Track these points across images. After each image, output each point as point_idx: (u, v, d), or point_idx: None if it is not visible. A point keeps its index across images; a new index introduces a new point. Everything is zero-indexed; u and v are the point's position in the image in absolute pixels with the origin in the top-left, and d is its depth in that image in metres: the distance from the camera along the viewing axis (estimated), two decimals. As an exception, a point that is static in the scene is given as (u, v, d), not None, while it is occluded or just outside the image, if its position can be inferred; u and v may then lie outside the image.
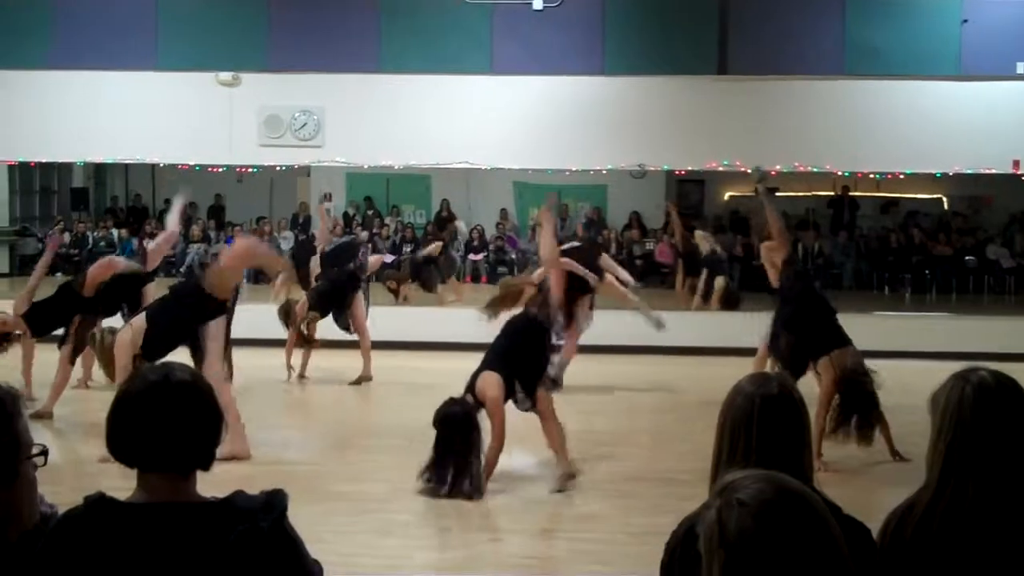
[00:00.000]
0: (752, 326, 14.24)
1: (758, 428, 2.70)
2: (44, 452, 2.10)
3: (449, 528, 6.56)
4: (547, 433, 7.52)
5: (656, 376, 12.39)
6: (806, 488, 1.85)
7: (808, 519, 1.75)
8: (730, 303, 14.60)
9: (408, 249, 20.09)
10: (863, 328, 11.68)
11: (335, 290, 11.97)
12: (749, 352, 10.60)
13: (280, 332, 12.58)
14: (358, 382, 11.78)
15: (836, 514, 2.10)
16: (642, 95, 14.42)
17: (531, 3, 14.19)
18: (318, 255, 12.46)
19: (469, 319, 14.54)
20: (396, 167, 15.47)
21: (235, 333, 11.82)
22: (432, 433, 7.21)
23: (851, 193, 20.58)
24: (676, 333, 13.87)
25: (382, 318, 14.71)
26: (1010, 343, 12.35)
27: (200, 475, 2.53)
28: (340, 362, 12.86)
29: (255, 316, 11.84)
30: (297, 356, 12.04)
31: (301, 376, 11.90)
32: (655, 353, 13.21)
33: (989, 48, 13.82)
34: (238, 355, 11.20)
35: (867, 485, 7.29)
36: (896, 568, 2.62)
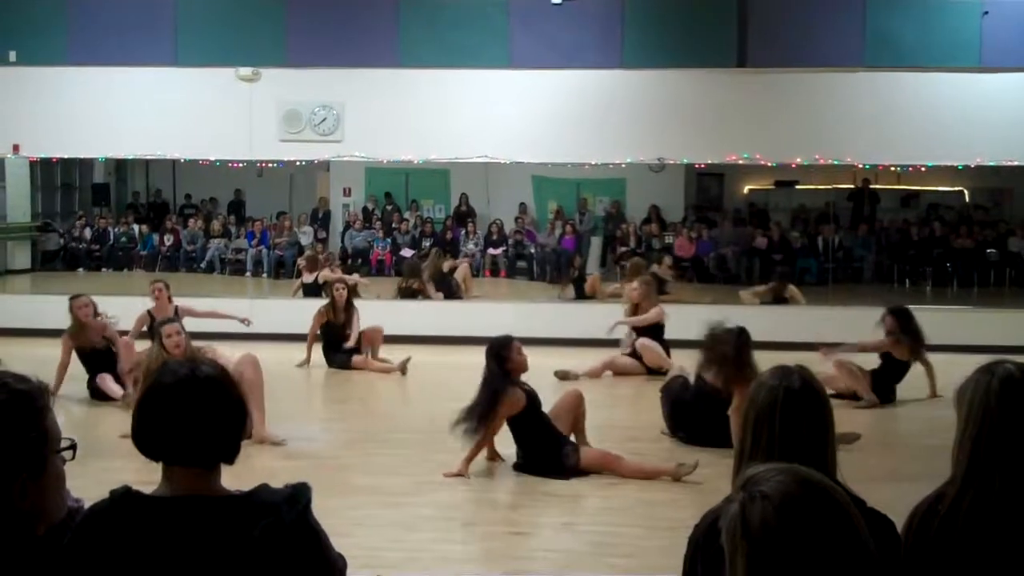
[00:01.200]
0: (774, 320, 14.26)
1: (781, 421, 2.70)
2: (73, 446, 2.11)
3: (472, 522, 6.58)
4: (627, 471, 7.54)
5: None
6: (829, 481, 1.84)
7: (831, 512, 1.74)
8: None
9: (427, 243, 20.13)
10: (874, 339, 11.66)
11: None
12: (771, 346, 10.58)
13: (302, 327, 12.64)
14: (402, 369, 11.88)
15: (860, 507, 2.10)
16: (661, 88, 14.39)
17: (549, -4, 14.18)
18: None
19: (492, 313, 14.63)
20: (415, 161, 15.49)
21: (260, 328, 11.96)
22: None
23: (871, 186, 20.46)
24: (694, 327, 13.87)
25: (405, 313, 14.78)
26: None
27: (224, 468, 2.55)
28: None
29: (278, 312, 11.88)
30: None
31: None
32: (674, 347, 13.20)
33: (1010, 39, 13.73)
34: (264, 349, 11.28)
35: (890, 480, 7.26)
36: (922, 561, 2.61)
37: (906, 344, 10.29)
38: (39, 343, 12.54)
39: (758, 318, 14.43)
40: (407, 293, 15.39)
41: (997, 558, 2.54)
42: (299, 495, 2.48)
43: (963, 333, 12.43)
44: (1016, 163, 14.35)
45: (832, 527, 1.73)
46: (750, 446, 2.73)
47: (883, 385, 10.40)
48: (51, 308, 13.17)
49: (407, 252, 19.19)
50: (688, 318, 14.27)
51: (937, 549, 2.60)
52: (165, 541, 2.40)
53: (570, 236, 19.70)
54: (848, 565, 1.71)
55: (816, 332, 12.92)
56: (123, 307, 14.27)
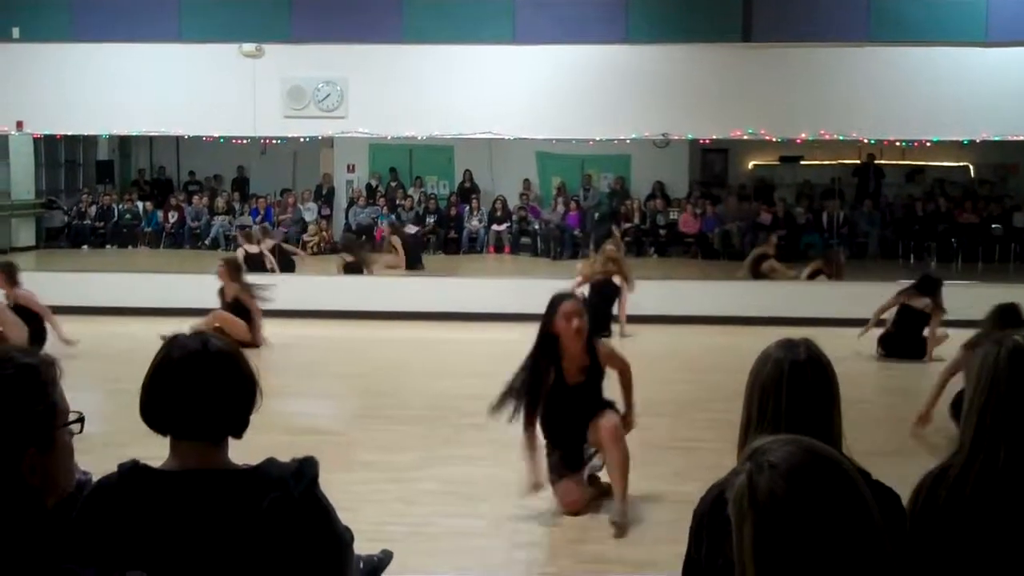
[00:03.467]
0: (774, 296, 14.27)
1: (787, 393, 2.71)
2: (80, 419, 2.12)
3: (476, 496, 6.60)
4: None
5: (676, 345, 12.39)
6: (836, 452, 1.85)
7: (839, 482, 1.75)
8: None
9: (431, 220, 20.13)
10: (889, 296, 11.66)
11: None
12: (769, 321, 10.61)
13: (313, 305, 12.67)
14: None
15: (865, 479, 2.11)
16: (666, 63, 14.34)
17: (553, -29, 14.11)
18: None
19: (493, 289, 14.64)
20: (419, 138, 15.47)
21: (273, 304, 11.93)
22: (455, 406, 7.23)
23: (877, 161, 20.42)
24: (695, 302, 13.90)
25: (404, 289, 14.80)
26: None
27: (232, 443, 2.56)
28: (369, 333, 12.94)
29: (283, 288, 11.87)
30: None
31: None
32: (673, 323, 13.23)
33: (1016, 14, 13.66)
34: (277, 325, 11.29)
35: (895, 455, 7.27)
36: (929, 532, 2.62)
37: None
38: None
39: (754, 294, 14.47)
40: (351, 269, 15.34)
41: (1003, 528, 2.55)
42: (306, 469, 2.50)
43: (968, 308, 12.34)
44: (1022, 138, 14.30)
45: (839, 497, 1.73)
46: (756, 418, 2.73)
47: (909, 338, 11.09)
48: (56, 285, 13.21)
49: (411, 228, 19.18)
50: (692, 294, 14.37)
51: (944, 519, 2.60)
52: (173, 514, 2.42)
53: (574, 212, 19.69)
54: (855, 535, 1.72)
55: (824, 307, 12.94)
56: (126, 283, 14.36)
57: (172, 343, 2.58)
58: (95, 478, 2.59)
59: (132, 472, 2.48)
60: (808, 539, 1.70)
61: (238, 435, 2.56)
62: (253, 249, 15.37)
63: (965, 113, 14.08)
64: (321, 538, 2.49)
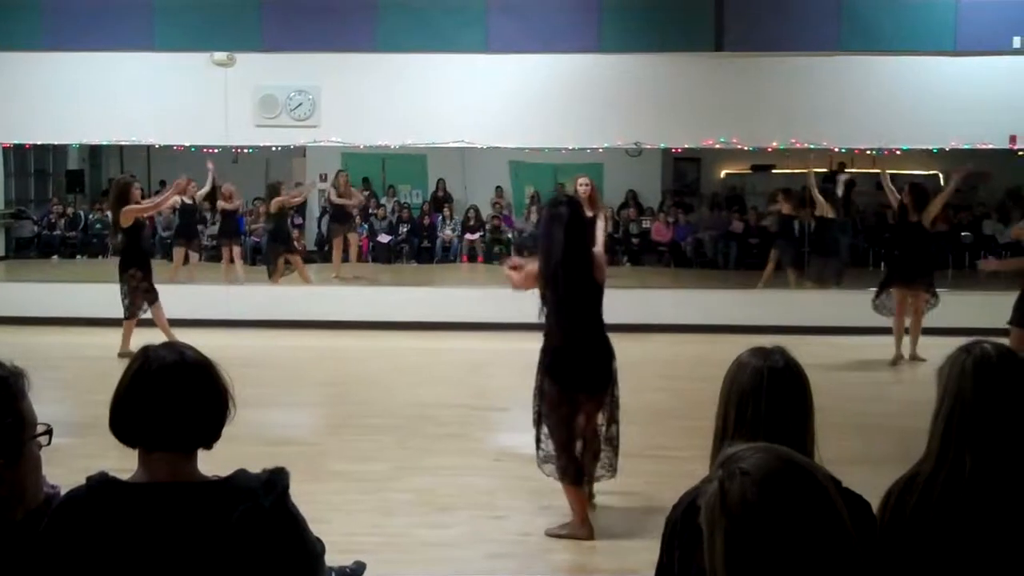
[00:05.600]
0: (746, 305, 14.33)
1: (766, 401, 2.72)
2: (49, 431, 2.10)
3: (450, 506, 6.59)
4: None
5: (649, 354, 12.41)
6: (809, 460, 1.86)
7: (811, 489, 1.75)
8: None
9: (404, 229, 20.10)
10: (859, 304, 11.74)
11: None
12: (742, 330, 10.65)
13: (286, 315, 12.64)
14: None
15: (836, 487, 2.12)
16: (638, 73, 14.38)
17: (526, -20, 14.13)
18: None
19: (466, 299, 14.63)
20: (392, 147, 15.43)
21: (239, 315, 11.86)
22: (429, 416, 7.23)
23: (848, 169, 20.54)
24: (667, 311, 13.94)
25: (377, 299, 14.78)
26: (1007, 318, 12.34)
27: (206, 455, 2.55)
28: (338, 342, 12.91)
29: (256, 298, 11.82)
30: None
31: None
32: (646, 331, 13.25)
33: (985, 23, 13.77)
34: (251, 336, 11.25)
35: (865, 462, 7.31)
36: (898, 539, 2.63)
37: None
38: (14, 331, 12.50)
39: (731, 303, 14.53)
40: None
41: (970, 535, 2.56)
42: (277, 480, 2.48)
43: (938, 315, 12.49)
44: (991, 146, 14.43)
45: (811, 504, 1.74)
46: (733, 426, 2.74)
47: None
48: (26, 295, 13.12)
49: (384, 238, 19.14)
50: (664, 303, 14.41)
51: (912, 526, 2.62)
52: (143, 527, 2.40)
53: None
54: (827, 542, 1.72)
55: (792, 315, 13.00)
56: (98, 294, 14.24)
57: (147, 354, 2.56)
58: (64, 491, 2.56)
59: (101, 485, 2.46)
60: (780, 547, 1.70)
61: (209, 446, 2.55)
62: (230, 206, 15.60)
63: (935, 122, 14.19)
64: (292, 549, 2.47)
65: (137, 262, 11.26)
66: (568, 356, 6.05)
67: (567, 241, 5.94)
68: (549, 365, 6.04)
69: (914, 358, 11.53)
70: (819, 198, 14.50)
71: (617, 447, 6.20)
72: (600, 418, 6.15)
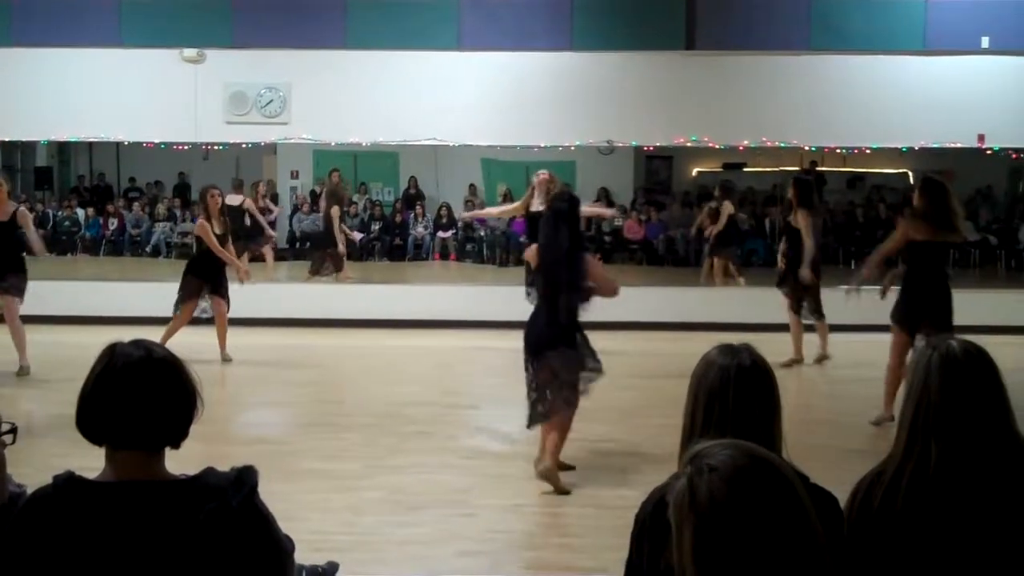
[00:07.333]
0: (716, 302, 14.39)
1: (734, 399, 2.73)
2: (13, 430, 2.08)
3: (421, 504, 6.58)
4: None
5: (620, 351, 12.41)
6: (776, 456, 1.86)
7: (778, 485, 1.76)
8: None
9: (377, 226, 20.05)
10: (831, 302, 11.79)
11: None
12: (713, 327, 10.69)
13: (258, 313, 12.60)
14: None
15: (804, 483, 2.13)
16: (610, 71, 14.41)
17: (498, -22, 14.12)
18: None
19: (438, 296, 14.63)
20: (363, 144, 15.39)
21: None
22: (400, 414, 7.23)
23: (818, 168, 20.67)
24: (639, 309, 13.96)
25: (349, 297, 14.74)
26: (976, 316, 12.43)
27: (171, 453, 2.53)
28: (310, 340, 12.86)
29: (234, 296, 11.72)
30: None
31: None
32: (617, 329, 13.26)
33: (954, 23, 13.87)
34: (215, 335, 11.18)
35: (833, 458, 7.35)
36: (865, 534, 2.66)
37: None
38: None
39: (703, 300, 14.59)
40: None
41: (936, 530, 2.58)
42: (245, 478, 2.47)
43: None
44: (959, 145, 14.53)
45: (779, 500, 1.74)
46: (701, 423, 2.74)
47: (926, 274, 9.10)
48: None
49: (356, 235, 19.08)
50: (637, 300, 14.43)
51: (879, 521, 2.64)
52: (109, 526, 2.38)
53: (520, 219, 19.68)
54: (794, 538, 1.73)
55: (763, 313, 13.04)
56: (67, 292, 14.13)
57: (113, 351, 2.53)
58: (29, 490, 2.54)
59: (67, 484, 2.44)
60: (747, 543, 1.71)
61: (176, 445, 2.53)
62: (234, 201, 15.34)
63: (904, 121, 14.29)
64: (260, 548, 2.46)
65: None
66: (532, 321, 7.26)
67: (571, 235, 7.05)
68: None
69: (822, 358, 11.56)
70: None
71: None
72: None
